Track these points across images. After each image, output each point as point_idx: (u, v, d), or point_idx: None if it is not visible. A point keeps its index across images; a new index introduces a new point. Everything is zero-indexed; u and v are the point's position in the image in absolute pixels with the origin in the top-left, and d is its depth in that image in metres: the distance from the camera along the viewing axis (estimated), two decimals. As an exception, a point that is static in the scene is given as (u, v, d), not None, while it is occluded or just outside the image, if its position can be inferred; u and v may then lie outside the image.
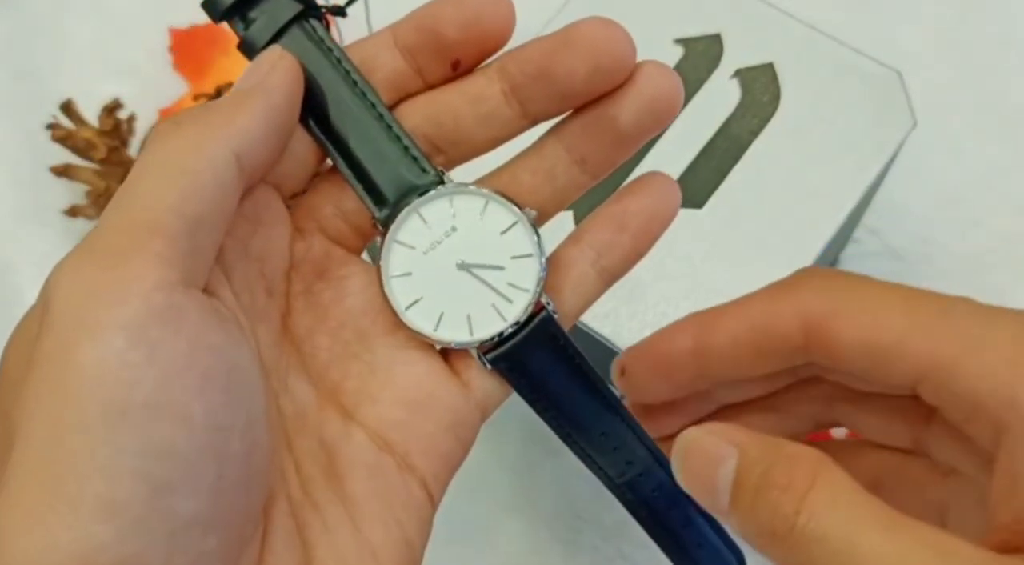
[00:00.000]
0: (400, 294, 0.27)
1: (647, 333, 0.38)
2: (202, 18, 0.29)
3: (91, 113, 0.53)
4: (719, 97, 0.42)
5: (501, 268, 0.27)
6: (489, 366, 0.27)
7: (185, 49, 0.56)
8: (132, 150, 0.53)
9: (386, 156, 0.27)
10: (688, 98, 0.42)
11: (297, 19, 0.27)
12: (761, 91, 0.42)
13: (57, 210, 0.52)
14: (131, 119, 0.53)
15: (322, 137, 0.28)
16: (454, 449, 0.28)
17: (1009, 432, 0.25)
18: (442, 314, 0.27)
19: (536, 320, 0.27)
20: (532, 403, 0.28)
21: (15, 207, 0.53)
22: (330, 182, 0.28)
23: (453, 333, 0.27)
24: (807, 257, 0.39)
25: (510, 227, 0.27)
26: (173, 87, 0.55)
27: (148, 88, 0.55)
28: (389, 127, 0.27)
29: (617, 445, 0.28)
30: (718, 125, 0.41)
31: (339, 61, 0.27)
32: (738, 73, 0.42)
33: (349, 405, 0.27)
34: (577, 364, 0.28)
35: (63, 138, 0.52)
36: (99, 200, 0.51)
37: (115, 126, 0.53)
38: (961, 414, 0.26)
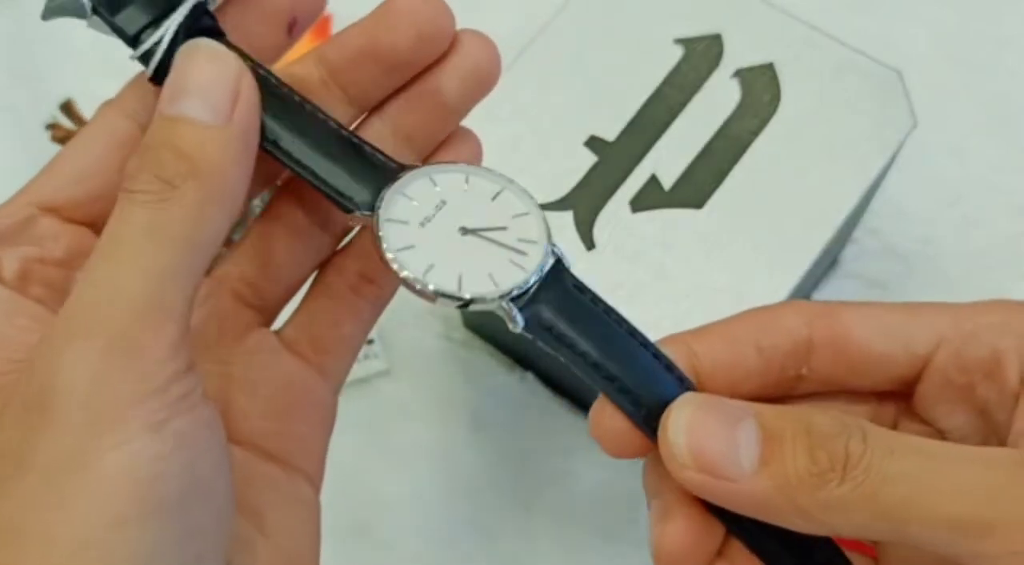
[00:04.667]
0: (411, 264, 0.26)
1: (646, 333, 0.39)
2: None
3: (91, 113, 0.53)
4: (719, 97, 0.42)
5: (504, 228, 0.27)
6: (522, 325, 0.26)
7: (185, 49, 0.56)
8: (132, 150, 0.53)
9: (345, 167, 0.27)
10: (688, 98, 0.42)
11: (210, 35, 0.26)
12: (761, 91, 0.42)
13: (57, 210, 0.52)
14: (131, 119, 0.53)
15: (278, 155, 0.27)
16: (325, 438, 0.29)
17: None
18: (460, 275, 0.26)
19: (554, 275, 0.27)
20: (572, 360, 0.26)
21: (15, 207, 0.53)
22: None
23: (479, 288, 0.26)
24: (807, 257, 0.39)
25: (499, 193, 0.27)
26: (173, 87, 0.55)
27: (148, 88, 0.55)
28: (344, 138, 0.27)
29: (669, 393, 0.26)
30: (718, 125, 0.41)
31: (266, 77, 0.27)
32: (738, 73, 0.42)
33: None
34: (608, 311, 0.27)
35: (63, 138, 0.52)
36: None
37: (115, 126, 0.53)
38: (981, 371, 0.26)
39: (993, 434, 0.26)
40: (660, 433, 0.25)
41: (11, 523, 0.21)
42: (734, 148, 0.41)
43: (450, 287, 0.26)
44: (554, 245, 0.27)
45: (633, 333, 0.27)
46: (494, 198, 0.27)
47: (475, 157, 0.30)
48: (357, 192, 0.27)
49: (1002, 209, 0.51)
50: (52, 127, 0.52)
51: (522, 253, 0.27)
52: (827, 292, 0.50)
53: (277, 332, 0.29)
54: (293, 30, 0.28)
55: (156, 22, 0.26)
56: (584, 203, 0.40)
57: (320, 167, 0.27)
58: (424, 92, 0.28)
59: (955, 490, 0.22)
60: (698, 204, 0.40)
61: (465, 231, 0.27)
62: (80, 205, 0.26)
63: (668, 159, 0.41)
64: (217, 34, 0.27)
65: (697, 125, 0.41)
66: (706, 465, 0.24)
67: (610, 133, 0.41)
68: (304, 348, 0.29)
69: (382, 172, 0.27)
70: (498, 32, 0.53)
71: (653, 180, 0.41)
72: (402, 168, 0.27)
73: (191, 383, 0.23)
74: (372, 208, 0.27)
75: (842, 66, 0.42)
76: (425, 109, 0.28)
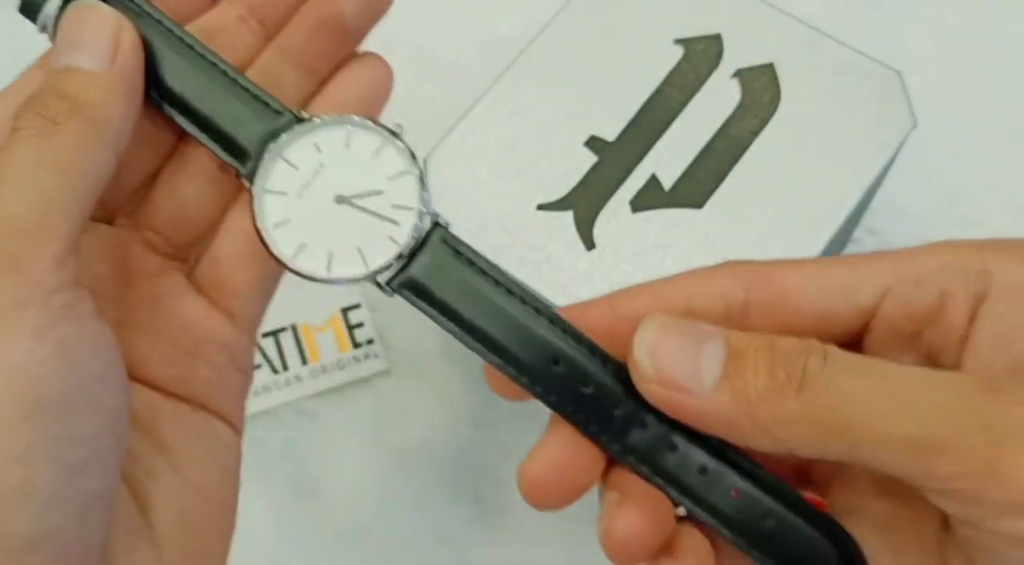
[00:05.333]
0: (283, 244, 0.27)
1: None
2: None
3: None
4: (719, 97, 0.42)
5: (380, 192, 0.27)
6: (393, 294, 0.27)
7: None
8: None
9: (234, 108, 0.27)
10: (688, 98, 0.42)
11: None
12: (761, 91, 0.42)
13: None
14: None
15: (163, 103, 0.28)
16: (238, 379, 0.29)
17: (987, 300, 0.25)
18: (331, 254, 0.27)
19: (433, 238, 0.27)
20: (449, 327, 0.27)
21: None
22: None
23: (348, 270, 0.27)
24: (807, 257, 0.39)
25: (380, 149, 0.27)
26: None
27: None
28: (230, 78, 0.27)
29: (545, 345, 0.26)
30: (718, 125, 0.41)
31: (159, 22, 0.28)
32: (738, 73, 0.42)
33: (126, 369, 0.27)
34: (482, 271, 0.27)
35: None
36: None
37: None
38: (928, 317, 0.26)
39: None
40: (629, 351, 0.25)
41: None
42: (734, 148, 0.41)
43: (319, 271, 0.27)
44: (427, 208, 0.27)
45: (511, 291, 0.27)
46: (375, 155, 0.27)
47: (383, 79, 0.30)
48: (247, 146, 0.27)
49: (1002, 209, 0.51)
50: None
51: (395, 222, 0.27)
52: (827, 292, 0.50)
53: (189, 276, 0.30)
54: None
55: None
56: (584, 203, 0.40)
57: (214, 123, 0.28)
58: (325, 19, 0.29)
59: (910, 409, 0.23)
60: (698, 204, 0.40)
61: (340, 200, 0.27)
62: None
63: (668, 159, 0.41)
64: None
65: (697, 125, 0.41)
66: (668, 379, 0.24)
67: (610, 133, 0.41)
68: (212, 291, 0.29)
69: (276, 123, 0.27)
70: (498, 32, 0.53)
71: (653, 180, 0.41)
72: (297, 118, 0.27)
73: (76, 297, 0.24)
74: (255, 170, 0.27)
75: (842, 66, 0.42)
76: (326, 37, 0.29)
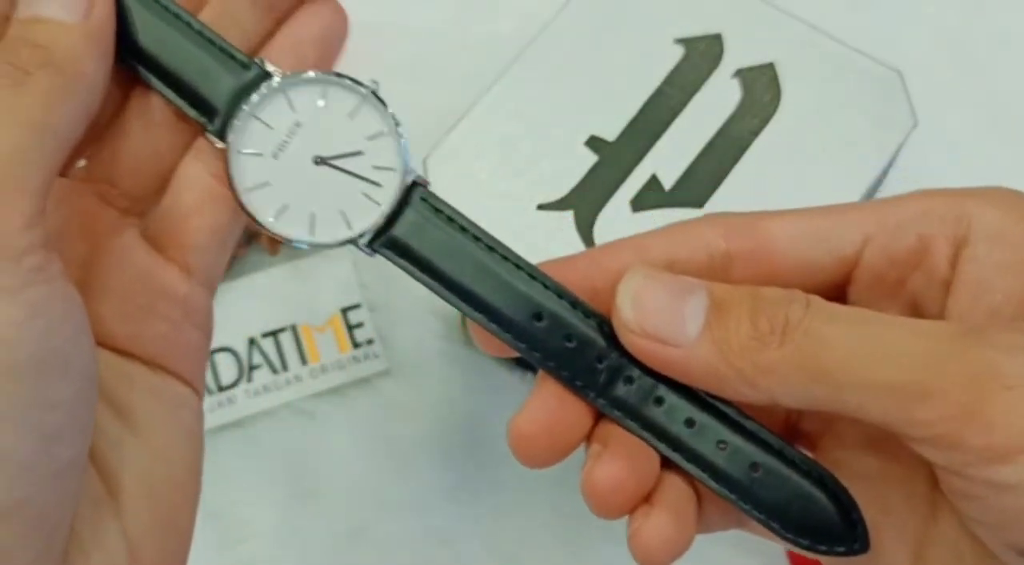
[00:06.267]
0: (262, 207, 0.26)
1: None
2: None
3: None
4: (720, 97, 0.42)
5: (360, 153, 0.26)
6: (374, 254, 0.27)
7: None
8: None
9: (199, 61, 0.26)
10: (688, 98, 0.42)
11: None
12: (762, 91, 0.42)
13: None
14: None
15: (129, 59, 0.27)
16: (196, 337, 0.28)
17: (968, 244, 0.25)
18: (313, 215, 0.26)
19: (413, 197, 0.26)
20: (431, 285, 0.27)
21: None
22: None
23: (332, 233, 0.26)
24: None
25: (356, 108, 0.27)
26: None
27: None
28: (195, 30, 0.27)
29: (527, 301, 0.26)
30: (718, 125, 0.41)
31: None
32: (739, 73, 0.42)
33: None
34: (463, 227, 0.27)
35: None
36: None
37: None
38: (910, 263, 0.26)
39: None
40: (612, 302, 0.25)
41: None
42: (734, 148, 0.41)
43: (302, 234, 0.26)
44: (408, 167, 0.26)
45: (492, 247, 0.26)
46: (351, 115, 0.27)
47: (337, 21, 0.29)
48: (216, 102, 0.26)
49: (1002, 209, 0.51)
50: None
51: (376, 184, 0.26)
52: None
53: (143, 230, 0.29)
54: None
55: None
56: (584, 203, 0.40)
57: (180, 79, 0.27)
58: None
59: (893, 355, 0.23)
60: (698, 204, 0.40)
61: (319, 161, 0.26)
62: None
63: (668, 159, 0.41)
64: None
65: (697, 125, 0.41)
66: (651, 330, 0.24)
67: (610, 133, 0.41)
68: (165, 244, 0.28)
69: (244, 78, 0.26)
70: (498, 32, 0.53)
71: (653, 180, 0.41)
72: (264, 72, 0.27)
73: (46, 258, 0.23)
74: (226, 127, 0.26)
75: (842, 66, 0.42)
76: None
